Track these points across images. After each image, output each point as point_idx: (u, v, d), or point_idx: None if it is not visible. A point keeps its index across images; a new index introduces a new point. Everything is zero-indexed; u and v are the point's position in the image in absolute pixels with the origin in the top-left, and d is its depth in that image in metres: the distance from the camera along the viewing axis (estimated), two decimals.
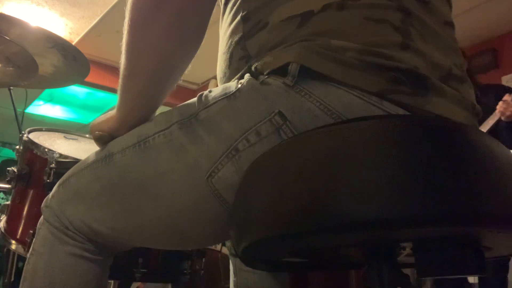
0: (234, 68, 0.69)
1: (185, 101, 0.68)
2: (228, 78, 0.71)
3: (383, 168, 0.45)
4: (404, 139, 0.47)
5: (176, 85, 0.72)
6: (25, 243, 1.18)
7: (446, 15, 0.69)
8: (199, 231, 0.69)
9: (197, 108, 0.65)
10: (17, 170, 1.25)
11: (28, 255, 0.75)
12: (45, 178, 1.14)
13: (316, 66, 0.57)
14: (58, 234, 0.72)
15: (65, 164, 1.15)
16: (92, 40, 3.94)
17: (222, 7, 0.76)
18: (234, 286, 1.00)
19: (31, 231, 1.13)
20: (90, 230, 0.72)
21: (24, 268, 0.74)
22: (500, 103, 2.41)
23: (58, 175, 1.10)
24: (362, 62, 0.57)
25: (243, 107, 0.61)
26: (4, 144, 5.96)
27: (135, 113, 0.72)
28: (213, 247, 1.48)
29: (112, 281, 1.33)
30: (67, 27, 3.86)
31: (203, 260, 1.35)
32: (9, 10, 3.51)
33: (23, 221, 1.24)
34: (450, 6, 0.73)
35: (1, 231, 1.27)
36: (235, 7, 0.70)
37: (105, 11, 3.56)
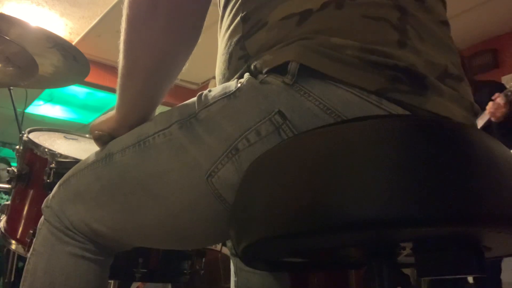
0: (233, 69, 0.69)
1: (185, 101, 0.68)
2: (227, 79, 0.71)
3: (383, 168, 0.45)
4: (404, 139, 0.47)
5: (175, 85, 0.72)
6: (25, 243, 1.17)
7: (442, 14, 0.70)
8: (199, 231, 0.69)
9: (197, 108, 0.65)
10: (17, 170, 1.25)
11: (28, 255, 0.75)
12: (45, 178, 1.14)
13: (315, 64, 0.58)
14: (59, 234, 0.72)
15: (65, 164, 1.15)
16: (92, 40, 3.94)
17: (221, 10, 0.76)
18: (235, 286, 1.00)
19: (31, 231, 1.13)
20: (91, 230, 0.72)
21: (24, 268, 0.74)
22: (490, 103, 2.29)
23: (58, 175, 1.10)
24: (361, 60, 0.57)
25: (243, 107, 0.61)
26: (4, 144, 5.96)
27: (135, 113, 0.72)
28: (213, 247, 1.48)
29: (112, 281, 1.33)
30: (67, 27, 3.86)
31: (203, 260, 1.35)
32: (9, 10, 3.51)
33: (23, 221, 1.23)
34: (445, 7, 0.73)
35: (1, 231, 1.27)
36: (234, 9, 0.70)
37: (105, 11, 3.56)
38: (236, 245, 0.57)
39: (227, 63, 0.71)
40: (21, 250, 1.21)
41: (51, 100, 5.13)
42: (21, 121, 1.79)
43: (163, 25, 0.63)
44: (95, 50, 3.97)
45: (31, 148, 1.26)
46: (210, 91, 0.66)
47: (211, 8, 0.66)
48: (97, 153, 0.74)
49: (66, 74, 1.70)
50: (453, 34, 0.71)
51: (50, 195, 0.77)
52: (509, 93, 2.25)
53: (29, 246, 1.07)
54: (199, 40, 0.68)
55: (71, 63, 1.60)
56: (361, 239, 0.53)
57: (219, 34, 0.77)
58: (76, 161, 1.03)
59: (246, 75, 0.63)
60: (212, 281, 1.54)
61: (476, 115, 0.67)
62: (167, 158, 0.65)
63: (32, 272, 0.72)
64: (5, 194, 3.32)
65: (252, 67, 0.63)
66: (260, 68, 0.62)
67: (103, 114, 0.79)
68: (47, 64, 1.59)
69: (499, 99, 2.27)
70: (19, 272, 0.78)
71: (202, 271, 1.35)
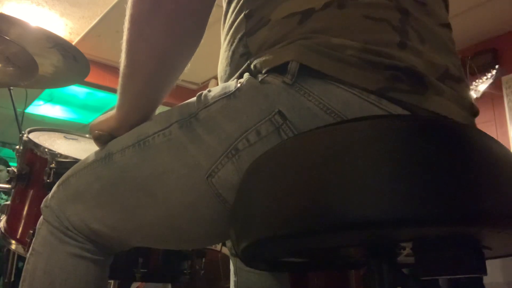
0: (235, 66, 0.69)
1: (185, 101, 0.68)
2: (229, 76, 0.71)
3: (382, 168, 0.45)
4: (404, 139, 0.47)
5: (176, 84, 0.72)
6: (25, 243, 1.18)
7: (443, 17, 0.70)
8: (199, 231, 0.69)
9: (196, 108, 0.65)
10: (17, 170, 1.25)
11: (28, 255, 0.75)
12: (45, 178, 1.14)
13: (315, 64, 0.58)
14: (58, 234, 0.72)
15: (65, 164, 1.15)
16: (92, 40, 3.94)
17: (225, 6, 0.76)
18: (235, 286, 1.00)
19: (31, 231, 1.13)
20: (90, 230, 0.72)
21: (24, 268, 0.74)
22: None
23: (58, 175, 1.10)
24: (361, 60, 0.57)
25: (243, 107, 0.61)
26: (4, 144, 5.96)
27: (135, 113, 0.72)
28: (213, 247, 1.48)
29: (112, 281, 1.33)
30: (67, 27, 3.85)
31: (203, 260, 1.35)
32: (9, 10, 3.50)
33: (23, 221, 1.24)
34: (447, 10, 0.73)
35: (1, 231, 1.27)
36: (238, 6, 0.70)
37: (105, 11, 3.55)
38: (236, 245, 0.57)
39: (230, 60, 0.71)
40: (21, 250, 1.21)
41: (51, 100, 5.13)
42: (21, 121, 1.79)
43: (165, 24, 0.63)
44: (95, 50, 3.97)
45: (31, 148, 1.26)
46: (210, 91, 0.66)
47: None
48: (96, 153, 0.74)
49: (66, 74, 1.70)
50: (453, 34, 0.71)
51: (50, 195, 0.77)
52: None
53: (29, 246, 1.07)
54: None
55: (71, 63, 1.60)
56: (361, 239, 0.53)
57: (222, 30, 0.77)
58: (76, 161, 1.03)
59: (246, 75, 0.63)
60: (212, 281, 1.53)
61: (476, 115, 0.67)
62: (167, 158, 0.65)
63: (32, 272, 0.72)
64: (5, 194, 3.33)
65: (252, 66, 0.63)
66: (260, 68, 0.62)
67: (103, 114, 0.79)
68: (47, 64, 1.59)
69: None
70: (19, 272, 0.78)
71: (202, 271, 1.35)
